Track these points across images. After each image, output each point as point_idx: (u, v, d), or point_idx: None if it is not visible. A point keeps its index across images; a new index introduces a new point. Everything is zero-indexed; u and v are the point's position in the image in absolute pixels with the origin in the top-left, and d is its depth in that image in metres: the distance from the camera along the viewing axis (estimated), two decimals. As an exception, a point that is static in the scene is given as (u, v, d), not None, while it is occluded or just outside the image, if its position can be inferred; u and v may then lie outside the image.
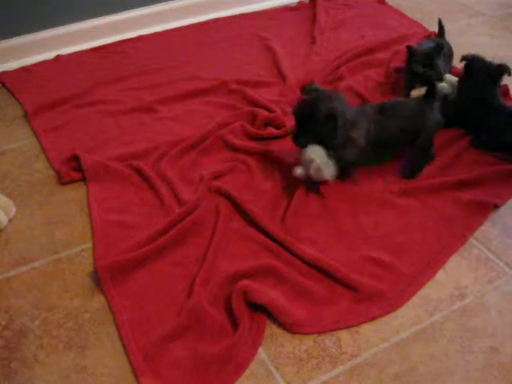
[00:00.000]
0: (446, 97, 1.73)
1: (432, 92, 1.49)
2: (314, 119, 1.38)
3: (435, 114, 1.50)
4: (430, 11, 2.46)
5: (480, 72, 1.64)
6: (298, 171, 1.42)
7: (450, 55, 1.90)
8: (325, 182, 1.44)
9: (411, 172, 1.54)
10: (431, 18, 2.34)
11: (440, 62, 1.74)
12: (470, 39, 2.26)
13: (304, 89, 1.46)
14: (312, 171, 1.40)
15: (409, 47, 1.78)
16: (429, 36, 2.14)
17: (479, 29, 2.36)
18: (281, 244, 1.32)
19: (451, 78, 1.77)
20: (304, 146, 1.43)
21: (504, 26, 2.38)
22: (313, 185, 1.48)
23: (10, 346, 1.14)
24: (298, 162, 1.45)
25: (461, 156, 1.62)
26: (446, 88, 1.74)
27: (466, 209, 1.45)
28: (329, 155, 1.41)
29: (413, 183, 1.51)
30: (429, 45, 1.79)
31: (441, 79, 1.73)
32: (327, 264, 1.26)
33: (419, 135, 1.49)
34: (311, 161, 1.39)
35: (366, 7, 2.51)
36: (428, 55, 1.73)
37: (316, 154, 1.39)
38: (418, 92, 1.72)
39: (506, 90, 1.86)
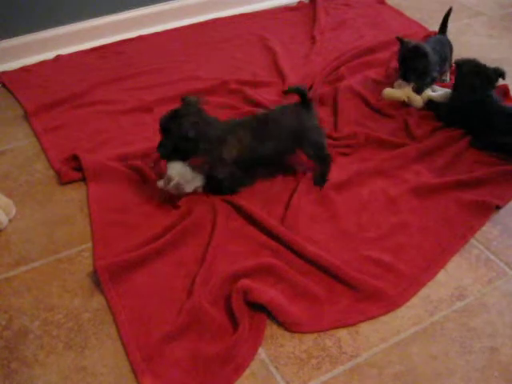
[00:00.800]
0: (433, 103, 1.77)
1: (304, 99, 1.46)
2: (172, 133, 1.36)
3: (313, 121, 1.48)
4: (430, 11, 2.46)
5: (472, 75, 1.64)
6: (160, 184, 1.41)
7: (450, 52, 1.91)
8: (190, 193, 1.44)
9: (321, 179, 1.51)
10: (431, 18, 2.34)
11: (419, 64, 1.74)
12: (469, 39, 2.26)
13: (182, 99, 1.42)
14: (171, 187, 1.39)
15: (398, 38, 1.81)
16: (429, 35, 2.14)
17: (479, 29, 2.36)
18: (281, 241, 1.32)
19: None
20: (166, 157, 1.41)
21: (504, 26, 2.38)
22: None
23: (10, 346, 1.14)
24: None
25: (461, 156, 1.62)
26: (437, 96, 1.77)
27: (466, 209, 1.44)
28: (193, 168, 1.41)
29: (413, 183, 1.51)
30: (412, 44, 1.78)
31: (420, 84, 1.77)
32: (328, 262, 1.26)
33: (300, 144, 1.48)
34: (170, 179, 1.38)
35: (366, 7, 2.51)
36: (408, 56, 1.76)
37: (176, 172, 1.38)
38: (392, 92, 1.80)
39: (505, 90, 1.86)
